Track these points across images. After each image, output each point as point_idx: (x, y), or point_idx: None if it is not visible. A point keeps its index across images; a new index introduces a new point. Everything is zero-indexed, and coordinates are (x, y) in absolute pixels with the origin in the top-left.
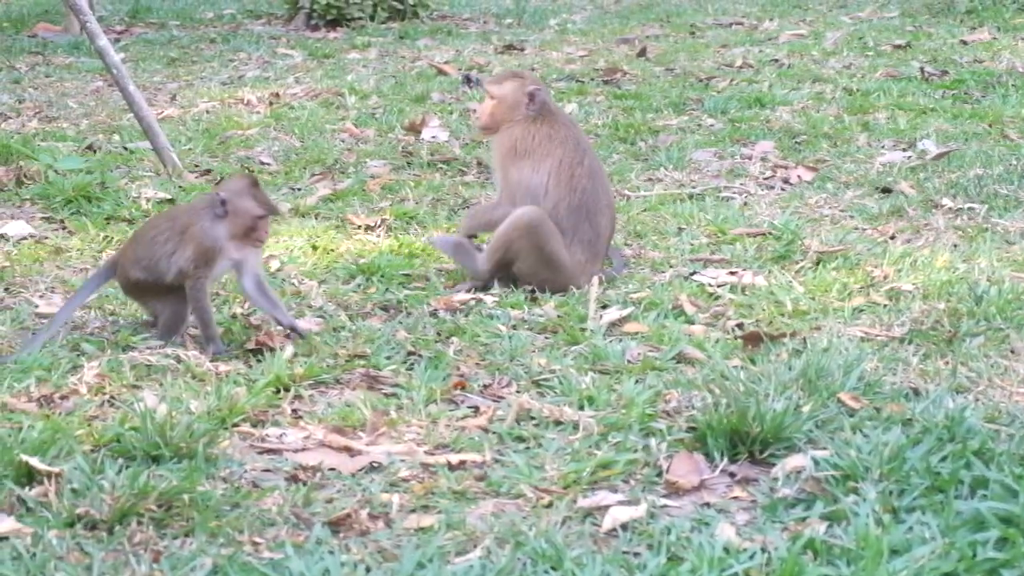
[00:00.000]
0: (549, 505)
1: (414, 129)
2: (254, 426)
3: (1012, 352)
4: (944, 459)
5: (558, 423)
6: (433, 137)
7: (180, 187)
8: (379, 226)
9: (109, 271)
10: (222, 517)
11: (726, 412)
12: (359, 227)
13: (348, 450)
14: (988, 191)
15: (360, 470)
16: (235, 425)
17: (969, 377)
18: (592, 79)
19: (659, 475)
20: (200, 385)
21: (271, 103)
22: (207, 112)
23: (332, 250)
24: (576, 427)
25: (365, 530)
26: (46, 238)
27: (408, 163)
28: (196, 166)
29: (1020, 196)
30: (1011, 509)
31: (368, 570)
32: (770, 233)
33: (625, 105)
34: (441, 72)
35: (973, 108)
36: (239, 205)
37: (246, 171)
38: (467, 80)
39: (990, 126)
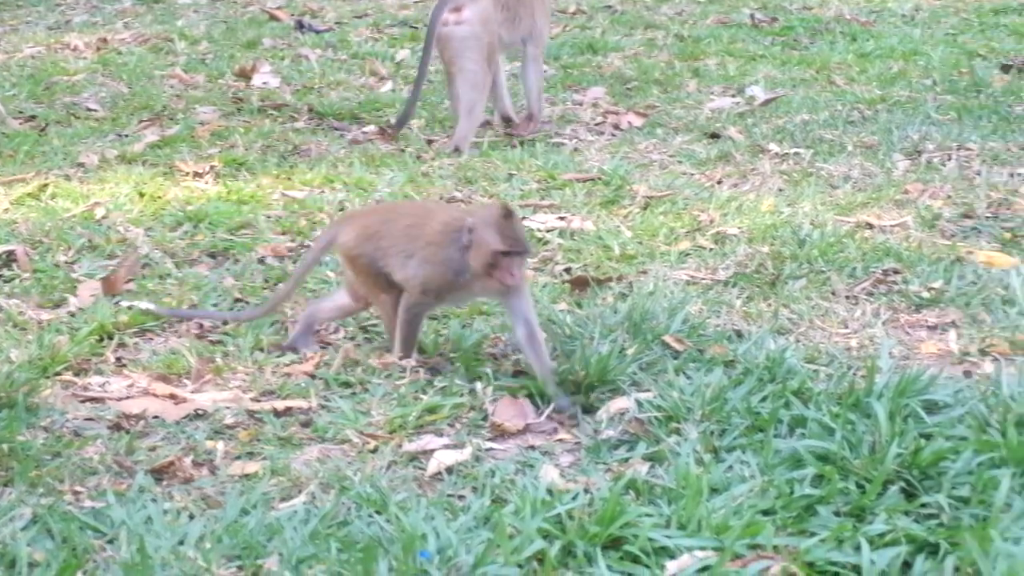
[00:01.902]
0: (375, 450)
1: (245, 75)
2: (77, 375)
3: (833, 294)
4: (765, 399)
5: (385, 368)
6: (264, 83)
7: (4, 134)
8: (208, 173)
9: (329, 235)
10: (43, 467)
11: (552, 356)
12: (187, 174)
13: (172, 398)
14: (814, 136)
15: (184, 418)
16: (57, 374)
17: (791, 319)
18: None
19: (485, 419)
20: (21, 334)
21: (99, 48)
22: (32, 58)
23: (159, 197)
24: (403, 372)
25: (189, 477)
26: None
27: (238, 109)
28: (20, 112)
29: (844, 141)
30: (828, 447)
31: (191, 517)
32: (599, 178)
33: None
34: (273, 18)
35: (801, 55)
36: (482, 236)
37: (502, 200)
38: (299, 26)
39: (817, 72)
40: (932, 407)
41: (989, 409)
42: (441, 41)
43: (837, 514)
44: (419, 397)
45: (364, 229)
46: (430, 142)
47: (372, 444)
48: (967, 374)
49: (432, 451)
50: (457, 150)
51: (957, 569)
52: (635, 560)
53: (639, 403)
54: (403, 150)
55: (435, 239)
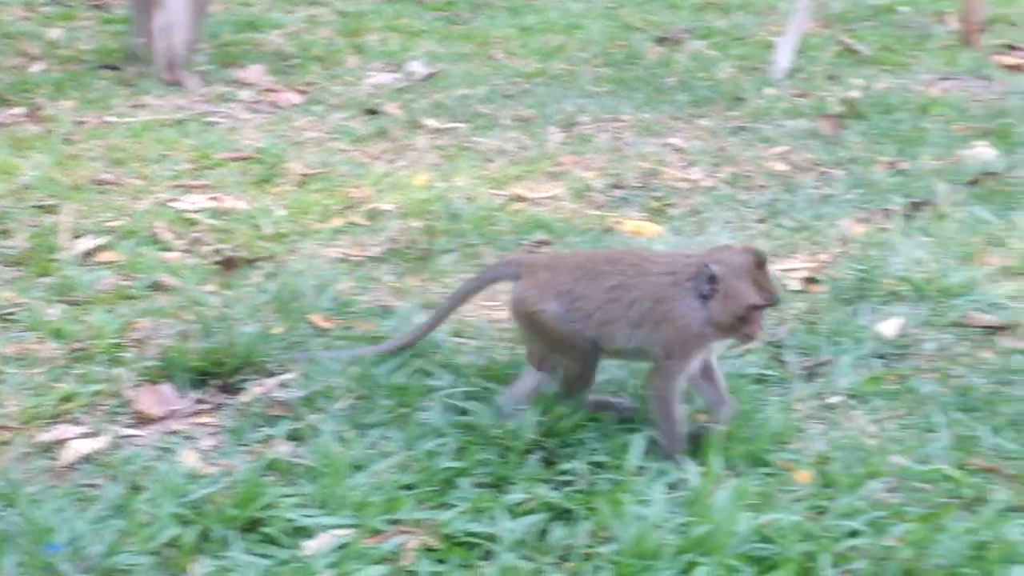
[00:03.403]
0: (6, 442)
1: None
2: None
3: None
4: (413, 373)
5: (21, 357)
6: None
7: None
8: None
9: (503, 272)
10: None
11: (196, 338)
12: None
13: None
14: (471, 111)
15: None
16: None
17: (442, 292)
18: (80, 3)
19: (125, 405)
20: None
21: None
22: None
23: None
24: (40, 360)
25: None
26: None
27: None
28: None
29: (500, 115)
30: (470, 419)
31: None
32: (254, 157)
33: (113, 30)
34: None
35: (463, 29)
36: (734, 287)
37: (752, 245)
38: None
39: (478, 47)
40: None
41: (630, 376)
42: None
43: (479, 485)
44: (56, 386)
45: (549, 285)
46: (80, 123)
47: (5, 436)
48: None
49: (67, 440)
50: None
51: (593, 534)
52: (274, 541)
53: (284, 384)
54: (51, 132)
55: (667, 292)
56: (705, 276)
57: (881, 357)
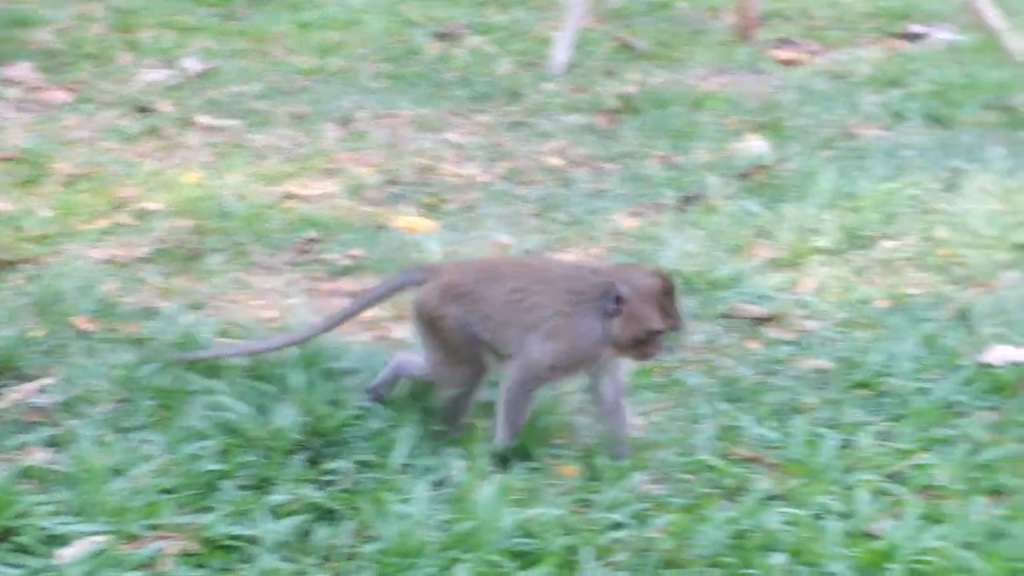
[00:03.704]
0: None
1: None
2: None
3: (254, 266)
4: (178, 375)
5: None
6: None
7: None
8: None
9: (413, 277)
10: None
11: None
12: None
13: None
14: (245, 108)
15: None
16: None
17: (210, 292)
18: None
19: None
20: None
21: None
22: None
23: None
24: None
25: None
26: None
27: None
28: None
29: (275, 112)
30: (231, 418)
31: None
32: (20, 157)
33: None
34: None
35: (240, 26)
36: (639, 309)
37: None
38: None
39: (256, 43)
40: (343, 374)
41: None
42: None
43: (242, 487)
44: None
45: (451, 288)
46: None
47: None
48: (380, 339)
49: None
50: None
51: (357, 533)
52: (27, 551)
53: (43, 388)
54: None
55: (569, 309)
56: (612, 296)
57: None
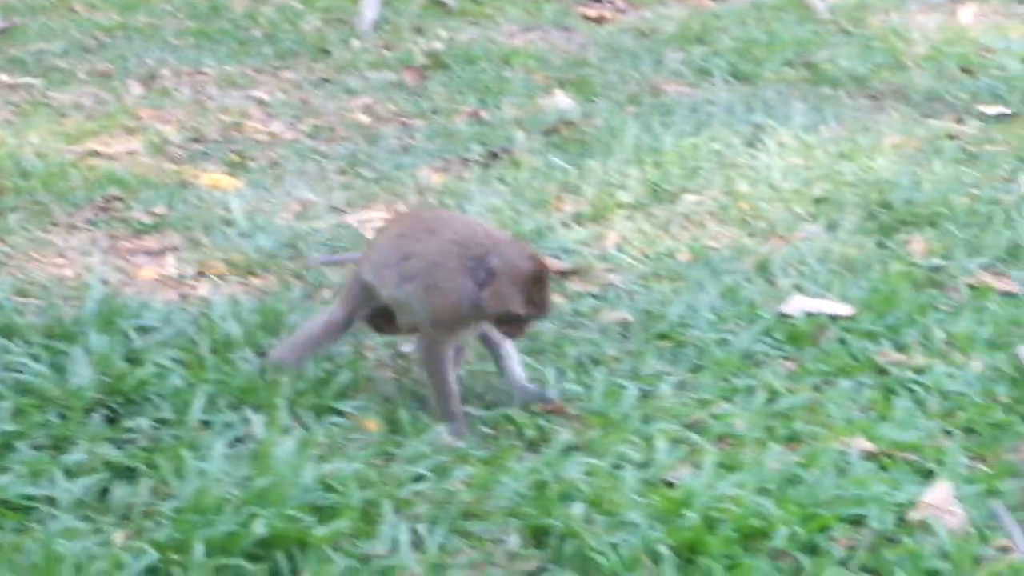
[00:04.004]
0: None
1: None
2: None
3: (54, 225)
4: None
5: None
6: None
7: None
8: None
9: None
10: None
11: None
12: None
13: None
14: (47, 65)
15: None
16: None
17: (8, 252)
18: None
19: None
20: None
21: None
22: None
23: None
24: None
25: None
26: None
27: None
28: None
29: (77, 70)
30: (26, 378)
31: None
32: None
33: None
34: None
35: None
36: (505, 289)
37: (533, 252)
38: None
39: (58, 0)
40: (144, 332)
41: (199, 330)
42: None
43: (37, 448)
44: None
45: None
46: None
47: None
48: (183, 297)
49: None
50: None
51: (155, 491)
52: None
53: None
54: None
55: (449, 263)
56: (484, 266)
57: None
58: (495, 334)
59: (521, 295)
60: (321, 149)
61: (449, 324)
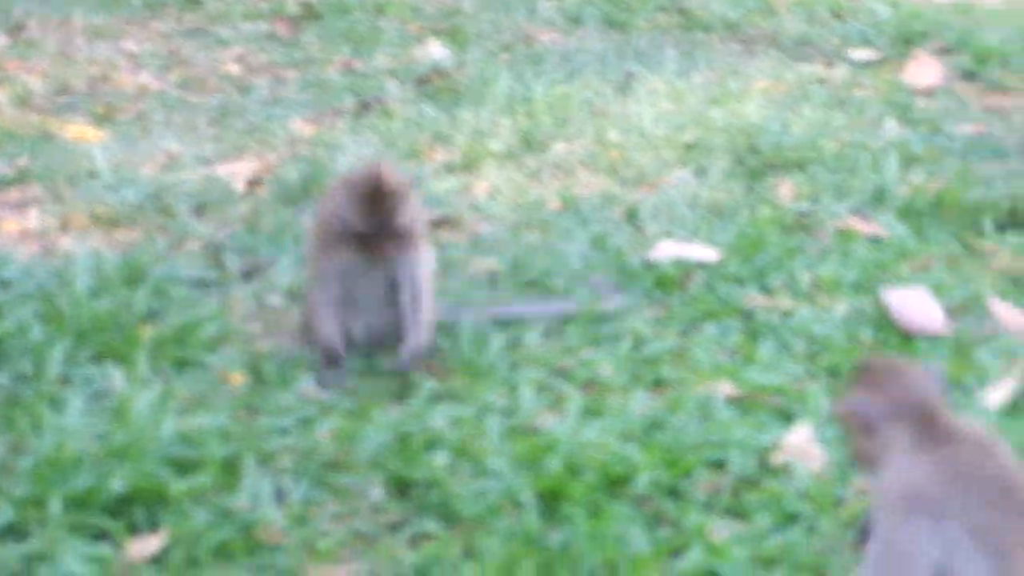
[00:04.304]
0: None
1: None
2: None
3: None
4: None
5: None
6: None
7: None
8: None
9: None
10: None
11: None
12: None
13: None
14: None
15: None
16: None
17: None
18: None
19: None
20: None
21: None
22: None
23: None
24: None
25: None
26: None
27: None
28: None
29: None
30: None
31: None
32: None
33: None
34: None
35: None
36: (339, 199)
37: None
38: None
39: None
40: (4, 285)
41: (61, 283)
42: None
43: None
44: None
45: None
46: None
47: None
48: (45, 250)
49: None
50: None
51: (13, 446)
52: None
53: None
54: None
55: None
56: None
57: None
58: (405, 292)
59: (354, 206)
60: (191, 100)
61: (320, 243)
